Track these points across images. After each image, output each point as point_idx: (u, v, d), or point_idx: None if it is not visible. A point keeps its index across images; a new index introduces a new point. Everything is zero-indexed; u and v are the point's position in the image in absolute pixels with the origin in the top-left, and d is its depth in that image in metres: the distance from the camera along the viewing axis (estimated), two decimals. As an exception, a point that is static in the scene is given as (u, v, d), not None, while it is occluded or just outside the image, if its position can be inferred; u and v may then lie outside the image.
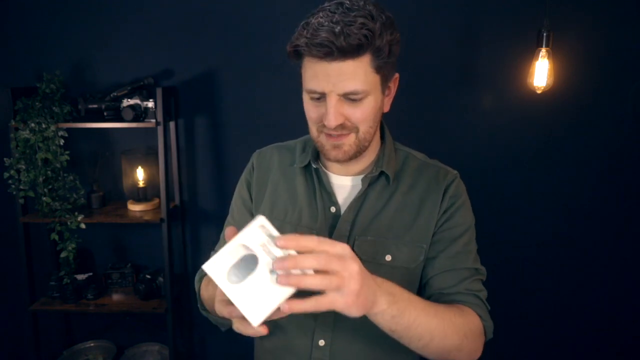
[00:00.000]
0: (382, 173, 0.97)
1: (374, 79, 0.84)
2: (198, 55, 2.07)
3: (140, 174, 2.10)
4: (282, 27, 2.01)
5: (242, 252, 0.64)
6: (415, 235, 0.95)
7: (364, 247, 0.94)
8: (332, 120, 0.84)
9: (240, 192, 1.08)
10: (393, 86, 0.92)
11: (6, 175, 1.91)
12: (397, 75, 0.92)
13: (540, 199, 2.10)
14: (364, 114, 0.86)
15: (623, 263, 2.13)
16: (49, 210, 1.95)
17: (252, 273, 0.64)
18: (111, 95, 1.95)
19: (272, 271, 0.64)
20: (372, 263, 0.93)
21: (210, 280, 0.89)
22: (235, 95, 2.10)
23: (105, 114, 1.95)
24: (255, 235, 0.65)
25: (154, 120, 1.93)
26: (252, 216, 0.99)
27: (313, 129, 0.91)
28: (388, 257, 0.94)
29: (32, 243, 2.07)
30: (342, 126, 0.86)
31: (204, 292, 0.96)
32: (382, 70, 0.85)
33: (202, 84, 2.10)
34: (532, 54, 1.83)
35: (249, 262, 0.64)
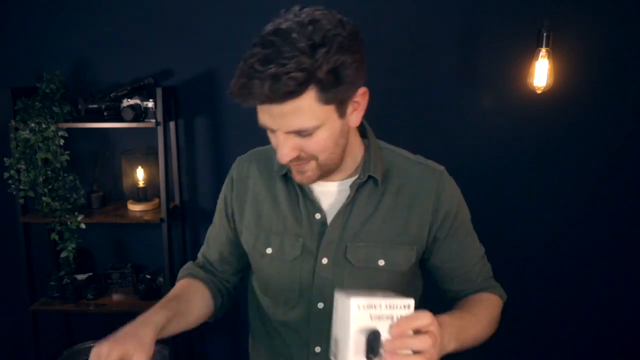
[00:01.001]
0: (369, 177, 0.93)
1: (324, 111, 0.78)
2: (198, 55, 2.07)
3: (140, 174, 2.09)
4: (282, 27, 2.01)
5: (364, 336, 0.70)
6: (407, 238, 0.94)
7: (357, 253, 0.92)
8: (282, 157, 0.81)
9: (219, 205, 1.06)
10: (362, 100, 0.84)
11: (6, 175, 1.91)
12: (363, 89, 0.83)
13: (540, 199, 2.10)
14: (319, 146, 0.82)
15: (623, 263, 2.13)
16: (49, 210, 1.94)
17: (382, 344, 0.70)
18: (111, 95, 1.94)
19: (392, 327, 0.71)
20: (366, 269, 0.93)
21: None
22: (235, 95, 2.10)
23: (105, 114, 1.95)
24: (363, 316, 0.70)
25: (154, 120, 1.93)
26: (230, 230, 1.04)
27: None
28: (381, 262, 0.92)
29: (32, 243, 2.07)
30: (297, 157, 0.83)
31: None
32: (334, 100, 0.78)
33: (202, 84, 2.10)
34: (532, 54, 1.82)
35: (374, 336, 0.70)
